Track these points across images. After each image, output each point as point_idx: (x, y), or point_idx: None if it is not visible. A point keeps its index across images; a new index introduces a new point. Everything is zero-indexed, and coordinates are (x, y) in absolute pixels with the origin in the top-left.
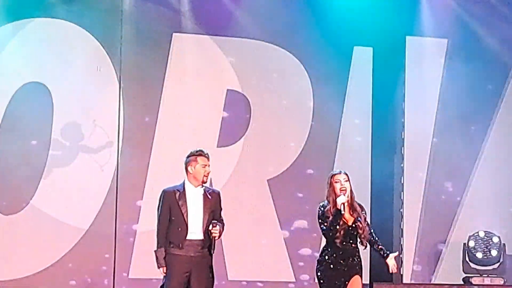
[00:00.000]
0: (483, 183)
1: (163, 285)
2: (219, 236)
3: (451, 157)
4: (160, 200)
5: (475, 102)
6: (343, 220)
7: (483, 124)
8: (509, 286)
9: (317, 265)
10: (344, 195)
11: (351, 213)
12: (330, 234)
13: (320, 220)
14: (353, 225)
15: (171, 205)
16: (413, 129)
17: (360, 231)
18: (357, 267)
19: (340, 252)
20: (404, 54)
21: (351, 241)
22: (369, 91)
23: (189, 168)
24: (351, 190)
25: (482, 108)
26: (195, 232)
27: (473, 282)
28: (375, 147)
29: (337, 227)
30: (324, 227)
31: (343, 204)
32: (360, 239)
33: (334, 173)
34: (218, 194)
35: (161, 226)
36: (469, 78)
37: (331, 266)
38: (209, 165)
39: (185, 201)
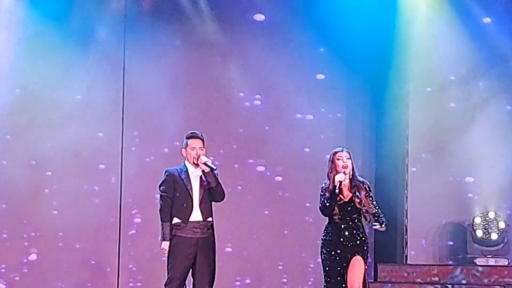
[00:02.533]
0: (488, 164)
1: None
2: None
3: (456, 138)
4: (163, 178)
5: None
6: (340, 197)
7: None
8: None
9: (321, 247)
10: (345, 173)
11: (350, 189)
12: (326, 210)
13: (320, 198)
14: (351, 202)
15: (176, 181)
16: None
17: (359, 206)
18: (360, 247)
19: (343, 232)
20: None
21: (351, 218)
22: None
23: (183, 152)
24: (352, 168)
25: None
26: (196, 213)
27: (478, 263)
28: (379, 129)
29: (333, 204)
30: (321, 204)
31: (340, 182)
32: (363, 214)
33: (337, 150)
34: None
35: (165, 203)
36: None
37: (334, 250)
38: (202, 147)
39: (189, 179)
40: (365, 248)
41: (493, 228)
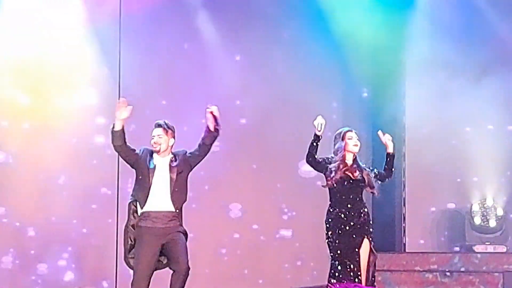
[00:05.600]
0: (485, 151)
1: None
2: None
3: (453, 124)
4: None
5: None
6: (347, 174)
7: None
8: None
9: (326, 225)
10: (354, 151)
11: (352, 166)
12: (308, 154)
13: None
14: (356, 181)
15: (142, 161)
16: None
17: (364, 183)
18: (366, 228)
19: (348, 207)
20: None
21: (356, 196)
22: None
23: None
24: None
25: None
26: (164, 202)
27: (476, 250)
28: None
29: (313, 143)
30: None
31: (320, 124)
32: (369, 191)
33: (347, 130)
34: (184, 152)
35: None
36: None
37: (340, 228)
38: (159, 135)
39: (154, 168)
40: (369, 227)
41: (491, 215)
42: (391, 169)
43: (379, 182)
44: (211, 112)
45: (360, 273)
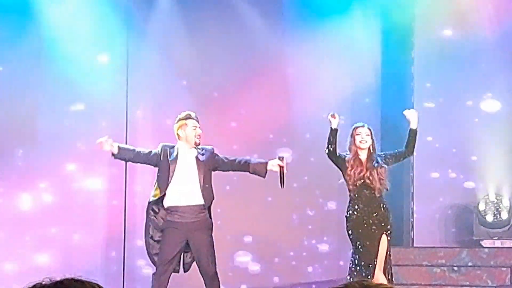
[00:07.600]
0: (494, 144)
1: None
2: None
3: (460, 120)
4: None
5: None
6: (360, 169)
7: None
8: None
9: (346, 222)
10: (362, 148)
11: (366, 164)
12: (328, 147)
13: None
14: (367, 179)
15: (163, 157)
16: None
17: (371, 181)
18: (384, 224)
19: (364, 205)
20: None
21: (371, 193)
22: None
23: (180, 132)
24: (373, 146)
25: None
26: (193, 196)
27: (484, 245)
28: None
29: (330, 138)
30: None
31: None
32: (376, 190)
33: (357, 125)
34: (212, 150)
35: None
36: None
37: (360, 223)
38: (199, 127)
39: (176, 162)
40: (388, 222)
41: (500, 208)
42: (413, 146)
43: (401, 160)
44: (281, 166)
45: (374, 266)
